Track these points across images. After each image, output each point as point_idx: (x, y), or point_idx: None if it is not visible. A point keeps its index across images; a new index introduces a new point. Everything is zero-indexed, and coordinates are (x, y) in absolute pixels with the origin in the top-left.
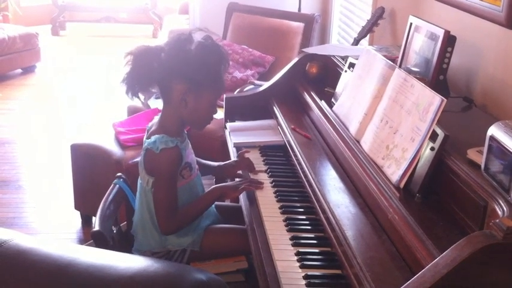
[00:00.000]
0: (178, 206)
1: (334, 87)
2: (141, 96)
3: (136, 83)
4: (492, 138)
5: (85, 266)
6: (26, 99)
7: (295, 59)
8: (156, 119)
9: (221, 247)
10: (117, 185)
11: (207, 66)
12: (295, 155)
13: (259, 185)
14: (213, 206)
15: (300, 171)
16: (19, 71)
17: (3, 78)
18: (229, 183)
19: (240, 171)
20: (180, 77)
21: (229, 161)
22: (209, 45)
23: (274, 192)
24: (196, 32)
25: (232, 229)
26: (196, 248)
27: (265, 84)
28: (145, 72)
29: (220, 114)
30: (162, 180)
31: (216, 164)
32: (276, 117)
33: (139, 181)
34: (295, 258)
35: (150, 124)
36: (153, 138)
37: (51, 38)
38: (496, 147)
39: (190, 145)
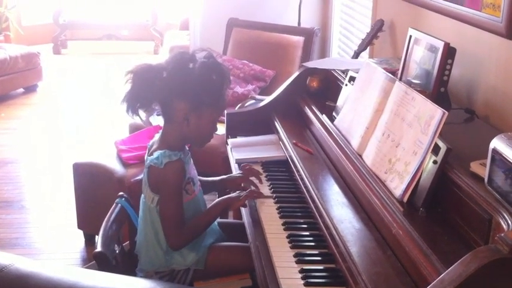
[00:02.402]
0: (185, 220)
1: (335, 101)
2: (142, 114)
3: (136, 101)
4: (495, 151)
5: None
6: (28, 118)
7: (296, 73)
8: (157, 137)
9: (225, 265)
10: (119, 205)
11: (209, 86)
12: (298, 170)
13: (260, 194)
14: (216, 223)
15: (303, 186)
16: (21, 90)
17: (6, 97)
18: (232, 194)
19: (243, 184)
20: (182, 97)
21: (233, 174)
22: (211, 64)
23: (277, 209)
24: (200, 52)
25: (236, 247)
26: (201, 266)
27: (266, 99)
28: (146, 90)
29: (221, 130)
30: (169, 194)
31: (218, 178)
32: (278, 132)
33: (142, 199)
34: (300, 275)
35: (151, 142)
36: (155, 154)
37: (53, 57)
38: (499, 159)
39: (191, 161)
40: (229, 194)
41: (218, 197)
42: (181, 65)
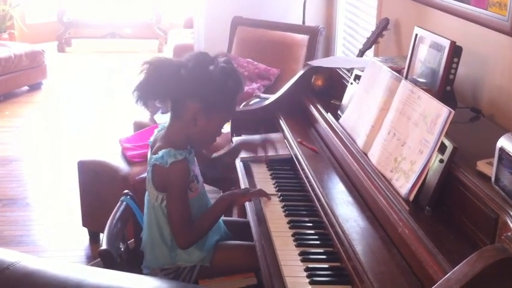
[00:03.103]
0: (192, 218)
1: (340, 100)
2: (152, 107)
3: (148, 93)
4: (502, 150)
5: None
6: (33, 116)
7: (301, 72)
8: (156, 132)
9: (231, 264)
10: (124, 202)
11: (225, 91)
12: (303, 169)
13: (267, 196)
14: (221, 221)
15: (308, 185)
16: (25, 88)
17: (10, 95)
18: (237, 190)
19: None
20: (196, 97)
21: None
22: (230, 70)
23: (282, 207)
24: (221, 57)
25: (242, 245)
26: (207, 263)
27: (271, 98)
28: (160, 84)
29: (226, 128)
30: (175, 194)
31: (230, 147)
32: (283, 131)
33: (146, 197)
34: (305, 274)
35: (152, 139)
36: (160, 153)
37: (57, 55)
38: (506, 159)
39: (195, 158)
40: (233, 190)
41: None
42: (202, 65)
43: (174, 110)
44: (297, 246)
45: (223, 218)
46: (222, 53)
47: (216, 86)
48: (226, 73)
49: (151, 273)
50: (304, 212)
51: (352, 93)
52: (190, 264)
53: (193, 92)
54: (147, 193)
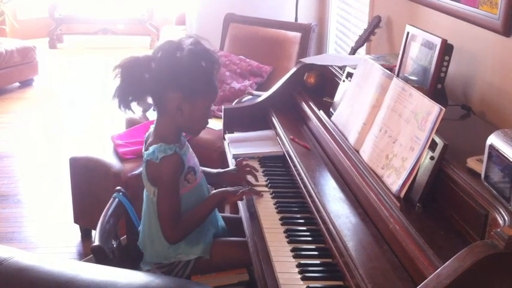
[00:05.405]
0: (181, 213)
1: (333, 97)
2: (137, 108)
3: (128, 95)
4: (492, 147)
5: (86, 283)
6: (24, 112)
7: (293, 69)
8: (152, 128)
9: (225, 259)
10: (117, 199)
11: (200, 73)
12: (295, 166)
13: (258, 193)
14: (219, 215)
15: (300, 181)
16: (17, 84)
17: (1, 92)
18: (229, 188)
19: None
20: (174, 86)
21: (229, 168)
22: (199, 51)
23: (274, 204)
24: (187, 40)
25: (236, 242)
26: (207, 256)
27: (264, 95)
28: (136, 84)
29: (218, 125)
30: (165, 188)
31: (214, 171)
32: (275, 128)
33: (145, 193)
34: (297, 270)
35: (146, 135)
36: (151, 148)
37: (48, 51)
38: (495, 156)
39: (190, 149)
40: (225, 187)
41: (214, 189)
42: (169, 54)
43: (157, 105)
44: (289, 242)
45: (220, 214)
46: (186, 36)
47: (189, 71)
48: (195, 55)
49: (150, 270)
50: (296, 209)
51: (344, 90)
52: (192, 257)
53: (168, 83)
54: (145, 189)
